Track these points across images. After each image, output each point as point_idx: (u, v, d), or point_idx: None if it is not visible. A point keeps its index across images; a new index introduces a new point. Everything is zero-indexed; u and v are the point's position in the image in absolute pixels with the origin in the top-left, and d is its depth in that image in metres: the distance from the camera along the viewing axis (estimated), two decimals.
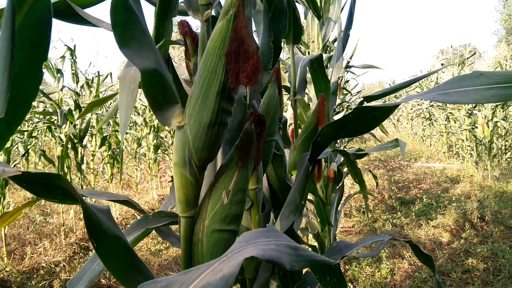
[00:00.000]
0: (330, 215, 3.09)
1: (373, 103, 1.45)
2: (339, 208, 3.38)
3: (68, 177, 6.46)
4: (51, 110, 6.97)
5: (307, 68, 2.58)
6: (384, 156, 16.08)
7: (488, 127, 10.23)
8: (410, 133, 21.41)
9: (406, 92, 21.95)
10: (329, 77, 3.19)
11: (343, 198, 4.64)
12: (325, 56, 4.00)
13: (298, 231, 3.11)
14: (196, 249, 0.91)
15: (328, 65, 3.51)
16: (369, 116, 1.21)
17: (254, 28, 1.80)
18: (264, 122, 1.00)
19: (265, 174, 1.83)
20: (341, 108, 5.73)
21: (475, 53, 12.10)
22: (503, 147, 11.61)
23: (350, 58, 6.97)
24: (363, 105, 1.25)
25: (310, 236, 4.09)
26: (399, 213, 7.65)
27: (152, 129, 9.11)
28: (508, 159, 11.57)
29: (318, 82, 2.61)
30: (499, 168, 11.24)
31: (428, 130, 16.86)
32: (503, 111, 11.15)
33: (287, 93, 2.52)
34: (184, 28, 1.09)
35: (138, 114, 9.02)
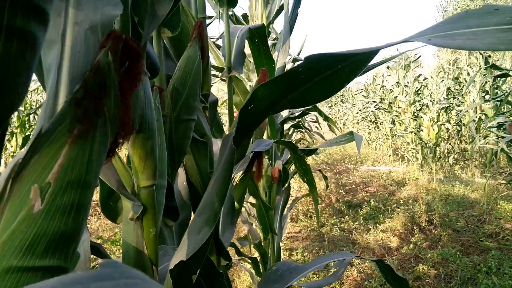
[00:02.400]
0: (274, 221, 2.65)
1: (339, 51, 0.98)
2: (284, 213, 2.95)
3: None
4: None
5: (248, 45, 2.14)
6: (330, 160, 15.94)
7: (433, 130, 10.20)
8: None
9: (352, 96, 22.18)
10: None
11: (290, 201, 4.22)
12: (270, 42, 3.59)
13: (236, 241, 2.64)
14: None
15: (274, 49, 3.08)
16: (332, 70, 0.77)
17: None
18: (138, 54, 0.52)
19: (183, 168, 1.36)
20: None
21: (420, 56, 12.16)
22: (446, 151, 11.68)
23: (298, 55, 6.61)
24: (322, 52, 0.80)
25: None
26: (346, 217, 7.35)
27: None
28: (451, 162, 11.64)
29: (260, 61, 2.16)
30: (443, 171, 11.27)
31: (374, 133, 16.91)
32: (446, 115, 11.21)
33: (218, 73, 2.06)
34: None
35: None
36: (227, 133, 1.73)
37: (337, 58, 0.76)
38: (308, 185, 2.10)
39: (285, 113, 3.09)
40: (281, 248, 5.70)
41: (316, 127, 10.46)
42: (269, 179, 2.60)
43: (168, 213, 1.13)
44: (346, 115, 23.94)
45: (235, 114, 1.88)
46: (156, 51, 1.13)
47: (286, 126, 4.37)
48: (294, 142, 8.42)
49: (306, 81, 0.80)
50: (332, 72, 0.79)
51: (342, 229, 6.75)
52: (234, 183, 1.75)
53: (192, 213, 1.34)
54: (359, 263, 5.18)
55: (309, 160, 15.38)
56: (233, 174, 1.61)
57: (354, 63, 0.79)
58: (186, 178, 1.31)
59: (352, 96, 21.81)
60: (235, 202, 1.68)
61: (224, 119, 5.57)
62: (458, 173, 11.06)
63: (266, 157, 2.64)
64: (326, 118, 3.31)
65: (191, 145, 1.27)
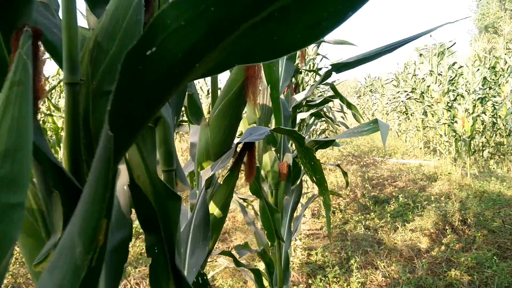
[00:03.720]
0: (281, 225, 2.22)
1: None
2: (296, 215, 2.53)
3: None
4: None
5: None
6: (357, 151, 15.39)
7: (468, 122, 9.56)
8: None
9: (382, 85, 21.45)
10: None
11: (304, 199, 3.75)
12: None
13: (233, 251, 2.23)
14: None
15: None
16: None
17: None
18: None
19: (124, 165, 0.95)
20: (301, 87, 4.83)
21: (455, 43, 11.42)
22: (481, 144, 10.99)
23: None
24: None
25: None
26: (372, 213, 6.86)
27: None
28: (486, 157, 10.95)
29: None
30: (477, 165, 10.61)
31: (404, 124, 16.23)
32: (481, 106, 10.50)
33: None
34: None
35: None
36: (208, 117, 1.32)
37: None
38: (318, 186, 1.67)
39: (300, 96, 2.65)
40: (300, 247, 5.28)
41: (342, 117, 9.98)
42: (276, 175, 2.18)
43: None
44: (375, 105, 23.19)
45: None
46: None
47: (304, 115, 3.92)
48: (318, 134, 7.90)
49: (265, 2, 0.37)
50: None
51: (367, 227, 6.28)
52: (217, 184, 1.34)
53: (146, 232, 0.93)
54: (384, 267, 4.72)
55: (335, 151, 14.88)
56: (214, 171, 1.20)
57: None
58: (130, 180, 0.91)
59: (382, 85, 21.05)
60: (217, 210, 1.28)
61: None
62: (493, 168, 10.40)
63: (273, 149, 2.22)
64: (349, 106, 2.87)
65: None
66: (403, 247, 5.36)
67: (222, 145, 1.25)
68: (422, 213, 6.73)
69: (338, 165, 2.66)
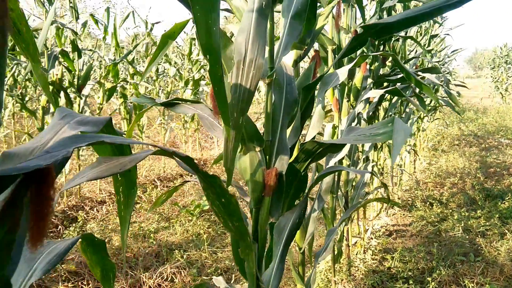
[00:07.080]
0: (257, 262, 1.51)
1: None
2: (332, 226, 1.81)
3: None
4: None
5: None
6: (482, 131, 13.60)
7: None
8: None
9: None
10: None
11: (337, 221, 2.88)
12: None
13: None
14: None
15: None
16: None
17: None
18: None
19: None
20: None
21: None
22: None
23: None
24: None
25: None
26: (479, 211, 5.72)
27: (189, 83, 7.88)
28: None
29: None
30: None
31: None
32: None
33: None
34: None
35: (170, 63, 7.73)
36: None
37: None
38: (239, 241, 0.97)
39: (342, 71, 1.89)
40: (373, 248, 4.47)
41: (457, 91, 8.61)
42: (258, 187, 1.49)
43: None
44: (511, 79, 20.41)
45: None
46: None
47: (375, 92, 3.04)
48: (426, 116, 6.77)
49: None
50: None
51: (468, 228, 5.20)
52: None
53: None
54: (474, 287, 3.75)
55: (454, 129, 13.28)
56: None
57: None
58: None
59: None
60: None
61: None
62: None
63: (258, 149, 1.52)
64: (418, 85, 2.03)
65: None
66: (506, 262, 4.28)
67: None
68: None
69: (373, 173, 1.86)
